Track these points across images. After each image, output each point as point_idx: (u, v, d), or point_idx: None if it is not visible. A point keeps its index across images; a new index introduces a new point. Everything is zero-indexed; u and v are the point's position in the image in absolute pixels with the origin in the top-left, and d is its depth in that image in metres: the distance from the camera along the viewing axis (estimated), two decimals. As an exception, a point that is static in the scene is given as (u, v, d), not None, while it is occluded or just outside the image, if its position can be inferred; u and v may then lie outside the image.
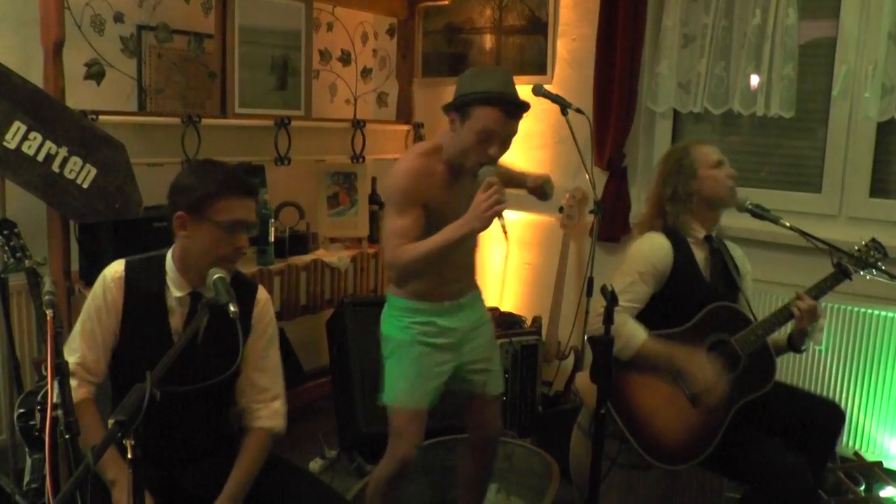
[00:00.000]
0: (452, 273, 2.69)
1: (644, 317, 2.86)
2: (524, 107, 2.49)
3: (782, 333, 2.95)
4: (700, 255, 2.94)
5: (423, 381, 2.71)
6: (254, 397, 2.46)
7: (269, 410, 2.46)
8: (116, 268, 2.35)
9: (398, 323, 2.75)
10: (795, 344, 2.93)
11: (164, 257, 2.37)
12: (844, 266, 2.87)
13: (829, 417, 2.91)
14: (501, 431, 3.00)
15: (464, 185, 2.55)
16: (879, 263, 2.91)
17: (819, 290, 2.88)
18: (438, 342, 2.72)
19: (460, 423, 3.02)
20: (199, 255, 2.28)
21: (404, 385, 2.71)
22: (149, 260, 2.38)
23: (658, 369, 2.81)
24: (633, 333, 2.75)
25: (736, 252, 3.10)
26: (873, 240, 2.95)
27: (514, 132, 2.50)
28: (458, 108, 2.49)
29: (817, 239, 2.89)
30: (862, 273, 2.90)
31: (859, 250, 2.92)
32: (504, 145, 2.50)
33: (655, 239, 2.93)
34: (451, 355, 2.75)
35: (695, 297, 2.87)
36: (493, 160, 2.47)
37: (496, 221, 2.34)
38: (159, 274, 2.35)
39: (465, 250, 2.66)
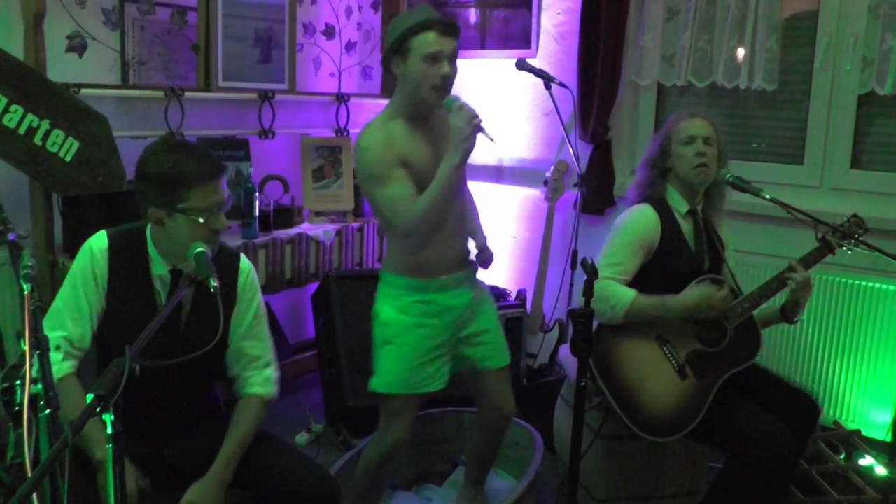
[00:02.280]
0: (446, 233, 2.66)
1: (635, 287, 2.87)
2: (452, 23, 2.55)
3: (776, 302, 2.97)
4: (686, 226, 2.97)
5: (423, 367, 2.70)
6: (245, 366, 2.47)
7: (261, 377, 2.47)
8: (101, 239, 2.32)
9: (397, 303, 2.71)
10: (790, 315, 2.95)
11: (144, 230, 2.34)
12: (829, 241, 2.89)
13: (804, 411, 2.92)
14: (512, 411, 2.97)
15: (430, 132, 2.60)
16: (862, 238, 2.93)
17: (804, 264, 2.90)
18: (438, 322, 2.71)
19: (455, 394, 2.99)
20: (179, 244, 2.24)
21: (403, 374, 2.69)
22: (130, 232, 2.35)
23: (647, 334, 2.86)
24: (621, 293, 2.77)
25: (718, 223, 3.12)
26: (855, 215, 2.97)
27: (455, 50, 2.55)
28: (397, 51, 2.56)
29: (799, 211, 2.90)
30: (844, 248, 2.93)
31: (842, 225, 2.94)
32: (452, 64, 2.54)
33: (643, 210, 2.95)
34: (448, 331, 2.74)
35: (682, 269, 2.91)
36: (446, 80, 2.53)
37: (480, 136, 2.43)
38: (142, 247, 2.33)
39: (454, 205, 2.64)
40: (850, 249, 2.92)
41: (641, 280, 2.90)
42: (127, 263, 2.32)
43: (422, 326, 2.69)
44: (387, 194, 2.53)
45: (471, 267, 2.86)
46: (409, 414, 2.74)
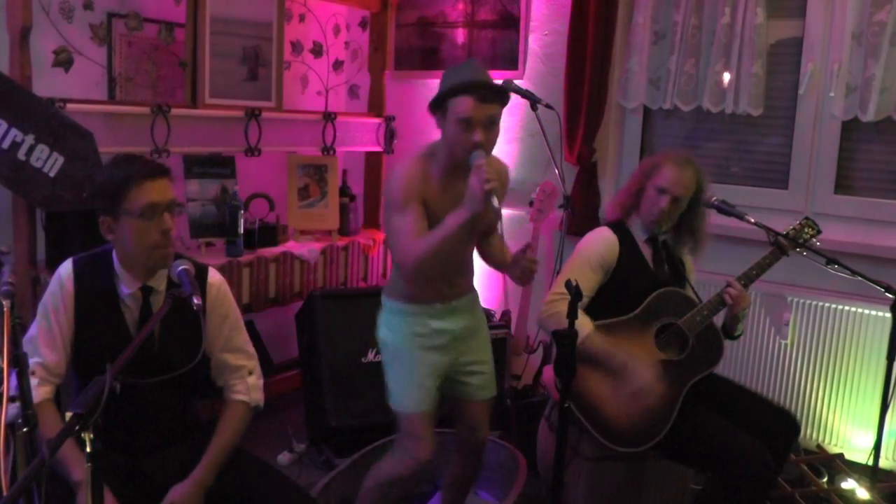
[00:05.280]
0: (446, 275, 2.71)
1: (596, 305, 2.98)
2: (497, 90, 2.52)
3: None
4: (647, 250, 3.07)
5: (422, 384, 2.72)
6: (230, 376, 2.51)
7: (245, 385, 2.51)
8: (67, 266, 2.36)
9: (392, 326, 2.78)
10: (728, 331, 3.05)
11: (110, 253, 2.37)
12: (781, 243, 3.00)
13: (783, 428, 2.95)
14: (486, 438, 2.98)
15: (460, 188, 2.52)
16: (813, 240, 3.06)
17: (759, 269, 3.01)
18: (431, 343, 2.74)
19: (439, 415, 3.00)
20: (132, 252, 2.29)
21: (407, 390, 2.73)
22: (96, 256, 2.38)
23: (616, 340, 2.91)
24: (578, 325, 2.78)
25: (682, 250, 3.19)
26: (806, 218, 3.12)
27: (493, 116, 2.52)
28: (438, 107, 2.55)
29: (769, 228, 3.00)
30: (798, 250, 3.03)
31: (794, 228, 3.07)
32: (487, 130, 2.51)
33: (601, 232, 3.08)
34: (444, 356, 2.76)
35: (641, 285, 2.99)
36: (480, 146, 2.49)
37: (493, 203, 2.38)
38: (108, 269, 2.35)
39: (460, 252, 2.70)
40: (803, 251, 3.03)
41: (605, 296, 3.00)
42: (93, 286, 2.34)
43: (417, 348, 2.73)
44: (398, 223, 2.56)
45: (472, 294, 2.88)
46: (428, 431, 2.73)
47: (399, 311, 2.76)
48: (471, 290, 2.89)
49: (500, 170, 2.75)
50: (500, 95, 2.53)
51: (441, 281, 2.71)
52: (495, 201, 2.36)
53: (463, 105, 2.47)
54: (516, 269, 2.56)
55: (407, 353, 2.74)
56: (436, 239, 2.47)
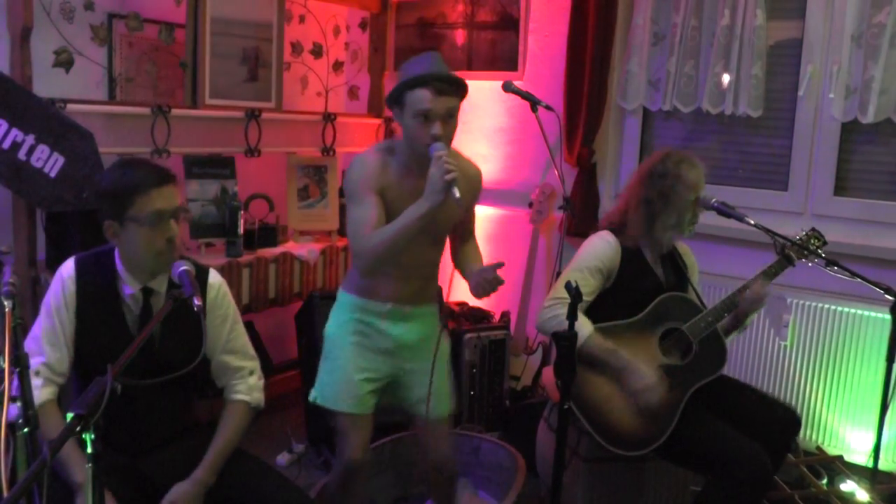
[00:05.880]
0: (407, 273, 2.66)
1: (600, 309, 2.96)
2: (453, 81, 2.49)
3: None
4: (648, 252, 3.05)
5: (354, 385, 2.68)
6: (230, 376, 2.52)
7: (245, 385, 2.52)
8: (69, 265, 2.37)
9: (339, 319, 2.76)
10: (737, 324, 3.05)
11: (112, 252, 2.37)
12: (788, 253, 2.99)
13: (785, 423, 2.96)
14: (452, 460, 2.89)
15: (420, 185, 2.47)
16: (819, 251, 3.04)
17: (766, 277, 3.00)
18: (371, 344, 2.71)
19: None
20: (136, 257, 2.30)
21: (335, 387, 2.71)
22: (97, 255, 2.39)
23: (601, 366, 2.89)
24: (578, 327, 2.77)
25: (682, 247, 3.19)
26: (813, 229, 3.11)
27: (451, 108, 2.48)
28: (396, 101, 2.52)
29: (775, 233, 2.98)
30: (804, 260, 3.02)
31: (801, 239, 3.05)
32: (446, 124, 2.48)
33: (603, 236, 3.04)
34: (385, 362, 2.72)
35: (645, 289, 2.98)
36: (439, 139, 2.45)
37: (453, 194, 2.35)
38: (110, 269, 2.35)
39: (422, 251, 2.64)
40: (810, 262, 3.02)
41: (608, 300, 2.99)
42: (94, 285, 2.35)
43: (355, 345, 2.70)
44: (355, 213, 2.55)
45: (429, 307, 2.82)
46: (357, 433, 2.70)
47: (349, 304, 2.73)
48: (430, 301, 2.83)
49: (469, 173, 2.70)
50: (457, 87, 2.50)
51: (397, 278, 2.65)
52: (456, 192, 2.34)
53: (420, 98, 2.44)
54: (477, 277, 2.49)
55: (344, 349, 2.71)
56: (394, 229, 2.44)
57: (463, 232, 2.84)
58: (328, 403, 2.72)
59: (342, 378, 2.70)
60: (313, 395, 2.77)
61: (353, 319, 2.72)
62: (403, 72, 2.53)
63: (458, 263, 2.84)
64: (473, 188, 2.74)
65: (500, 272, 2.43)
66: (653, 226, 2.97)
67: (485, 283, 2.46)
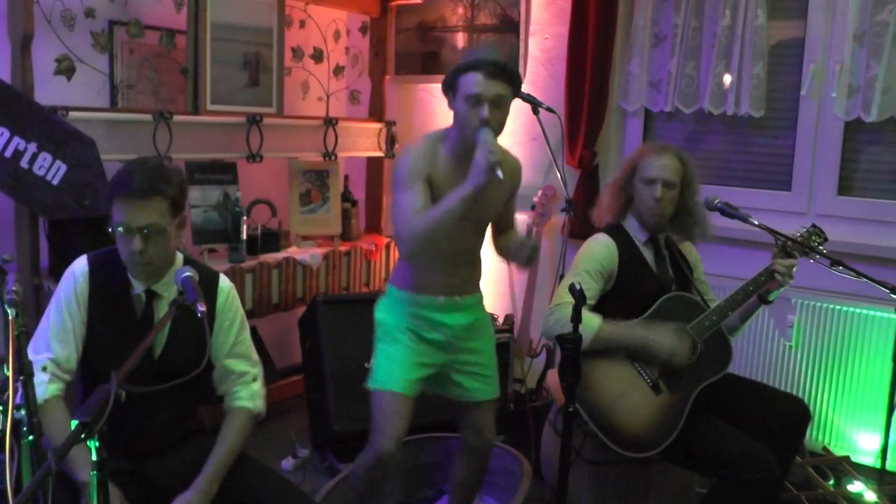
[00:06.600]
0: (451, 261, 2.72)
1: (603, 313, 2.94)
2: (504, 67, 2.54)
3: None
4: (647, 252, 3.05)
5: (408, 368, 2.71)
6: (233, 382, 2.50)
7: (248, 392, 2.50)
8: (81, 262, 2.36)
9: (390, 308, 2.80)
10: (764, 296, 2.98)
11: None
12: (790, 250, 2.95)
13: (796, 415, 2.95)
14: (494, 441, 2.97)
15: (466, 171, 2.50)
16: (821, 247, 3.01)
17: (768, 275, 2.96)
18: (429, 336, 2.74)
19: (442, 418, 3.00)
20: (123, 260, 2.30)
21: (389, 367, 2.72)
22: (110, 252, 2.36)
23: (618, 354, 2.90)
24: (585, 321, 2.76)
25: (685, 245, 3.19)
26: (814, 225, 3.09)
27: (501, 95, 2.54)
28: (449, 86, 2.60)
29: (774, 231, 2.96)
30: (806, 257, 3.00)
31: (801, 235, 3.02)
32: (496, 108, 2.53)
33: (600, 239, 3.05)
34: (440, 352, 2.77)
35: (646, 289, 2.98)
36: (487, 123, 2.50)
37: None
38: (122, 267, 2.34)
39: (465, 238, 2.71)
40: (811, 258, 3.01)
41: (610, 303, 2.99)
42: (106, 283, 2.34)
43: (413, 333, 2.74)
44: (401, 200, 2.56)
45: (478, 295, 2.89)
46: (395, 420, 2.66)
47: (401, 298, 2.77)
48: (476, 290, 2.89)
49: (512, 163, 2.78)
50: (508, 75, 2.55)
51: (443, 269, 2.71)
52: (500, 173, 2.36)
53: (471, 82, 2.51)
54: (521, 247, 2.69)
55: (401, 335, 2.74)
56: (438, 212, 2.47)
57: (503, 222, 2.94)
58: (377, 384, 2.72)
59: (399, 361, 2.72)
60: (371, 382, 2.75)
61: (405, 311, 2.76)
62: (461, 60, 2.61)
63: (500, 251, 2.96)
64: (515, 179, 2.83)
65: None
66: (631, 207, 3.05)
67: (531, 251, 2.66)
